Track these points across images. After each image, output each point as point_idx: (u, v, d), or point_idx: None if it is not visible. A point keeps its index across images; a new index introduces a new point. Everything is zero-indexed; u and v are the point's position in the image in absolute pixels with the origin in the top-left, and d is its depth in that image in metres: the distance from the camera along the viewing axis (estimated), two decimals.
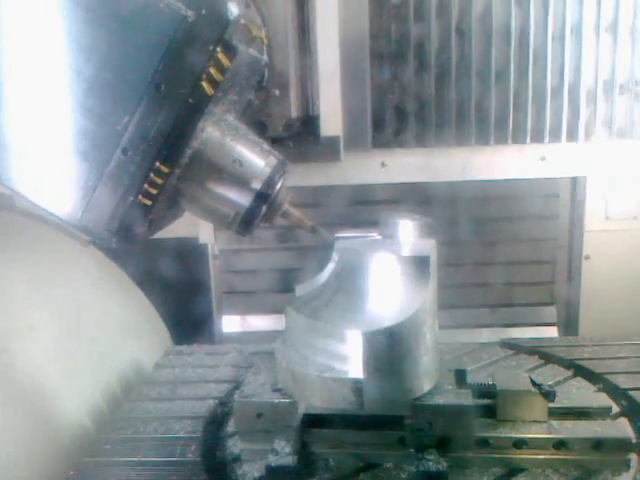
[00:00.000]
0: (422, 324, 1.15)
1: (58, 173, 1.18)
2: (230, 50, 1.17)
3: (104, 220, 1.17)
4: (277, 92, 2.07)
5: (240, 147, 1.28)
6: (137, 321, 2.06)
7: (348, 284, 1.23)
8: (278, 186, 1.30)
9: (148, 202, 1.19)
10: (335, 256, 1.28)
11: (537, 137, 2.26)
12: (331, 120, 2.20)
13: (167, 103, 1.12)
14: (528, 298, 2.49)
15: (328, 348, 1.16)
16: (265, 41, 1.40)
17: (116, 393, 1.68)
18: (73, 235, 1.26)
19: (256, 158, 1.29)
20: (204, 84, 1.15)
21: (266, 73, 1.89)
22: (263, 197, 1.28)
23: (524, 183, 2.34)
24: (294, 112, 2.14)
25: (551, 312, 2.50)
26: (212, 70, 1.15)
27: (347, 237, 1.32)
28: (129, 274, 2.21)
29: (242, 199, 1.28)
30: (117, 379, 1.73)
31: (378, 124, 2.29)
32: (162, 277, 2.28)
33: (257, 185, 1.27)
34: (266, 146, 1.34)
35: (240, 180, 1.27)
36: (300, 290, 1.30)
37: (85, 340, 1.73)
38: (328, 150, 2.21)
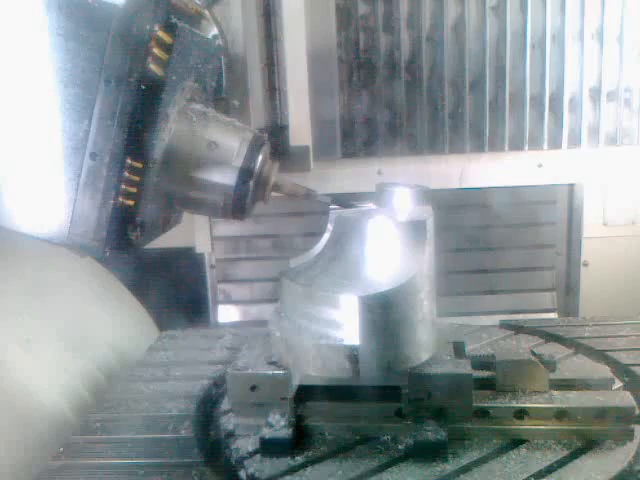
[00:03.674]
0: (419, 289, 1.12)
1: (36, 197, 1.16)
2: (169, 27, 1.16)
3: (91, 231, 1.14)
4: (236, 103, 2.06)
5: (212, 130, 1.26)
6: (134, 329, 2.04)
7: (344, 252, 1.20)
8: (260, 158, 1.28)
9: (130, 202, 1.17)
10: (330, 226, 1.26)
11: (534, 144, 2.25)
12: (300, 130, 2.19)
13: (121, 96, 1.11)
14: (528, 305, 2.45)
15: (323, 316, 1.13)
16: (208, 16, 1.40)
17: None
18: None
19: (231, 136, 1.27)
20: (152, 66, 1.14)
21: (224, 81, 1.87)
22: (247, 172, 1.26)
23: (521, 190, 2.32)
24: (255, 122, 2.12)
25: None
26: (156, 50, 1.14)
27: (342, 208, 1.30)
28: (126, 285, 2.18)
29: (227, 180, 1.25)
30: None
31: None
32: (158, 288, 2.25)
33: (238, 162, 1.25)
34: (238, 123, 1.32)
35: (220, 162, 1.25)
36: (294, 262, 1.27)
37: (81, 351, 1.71)
38: (297, 160, 2.19)
